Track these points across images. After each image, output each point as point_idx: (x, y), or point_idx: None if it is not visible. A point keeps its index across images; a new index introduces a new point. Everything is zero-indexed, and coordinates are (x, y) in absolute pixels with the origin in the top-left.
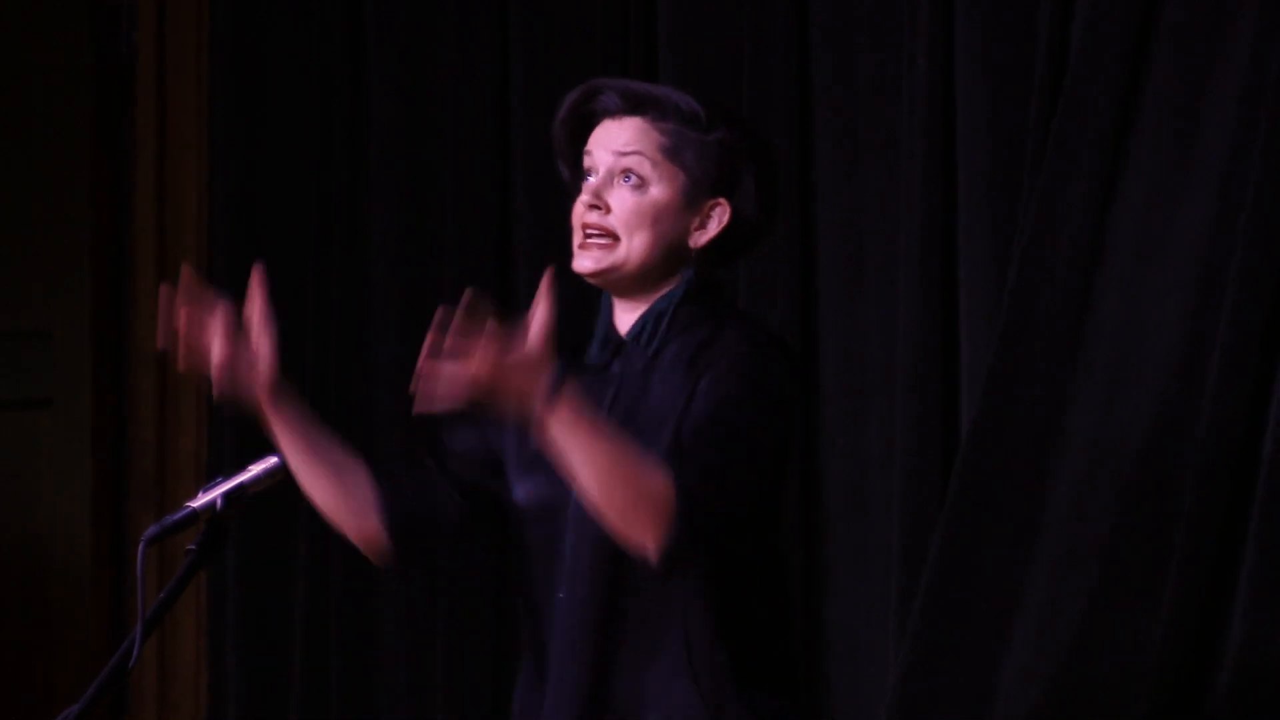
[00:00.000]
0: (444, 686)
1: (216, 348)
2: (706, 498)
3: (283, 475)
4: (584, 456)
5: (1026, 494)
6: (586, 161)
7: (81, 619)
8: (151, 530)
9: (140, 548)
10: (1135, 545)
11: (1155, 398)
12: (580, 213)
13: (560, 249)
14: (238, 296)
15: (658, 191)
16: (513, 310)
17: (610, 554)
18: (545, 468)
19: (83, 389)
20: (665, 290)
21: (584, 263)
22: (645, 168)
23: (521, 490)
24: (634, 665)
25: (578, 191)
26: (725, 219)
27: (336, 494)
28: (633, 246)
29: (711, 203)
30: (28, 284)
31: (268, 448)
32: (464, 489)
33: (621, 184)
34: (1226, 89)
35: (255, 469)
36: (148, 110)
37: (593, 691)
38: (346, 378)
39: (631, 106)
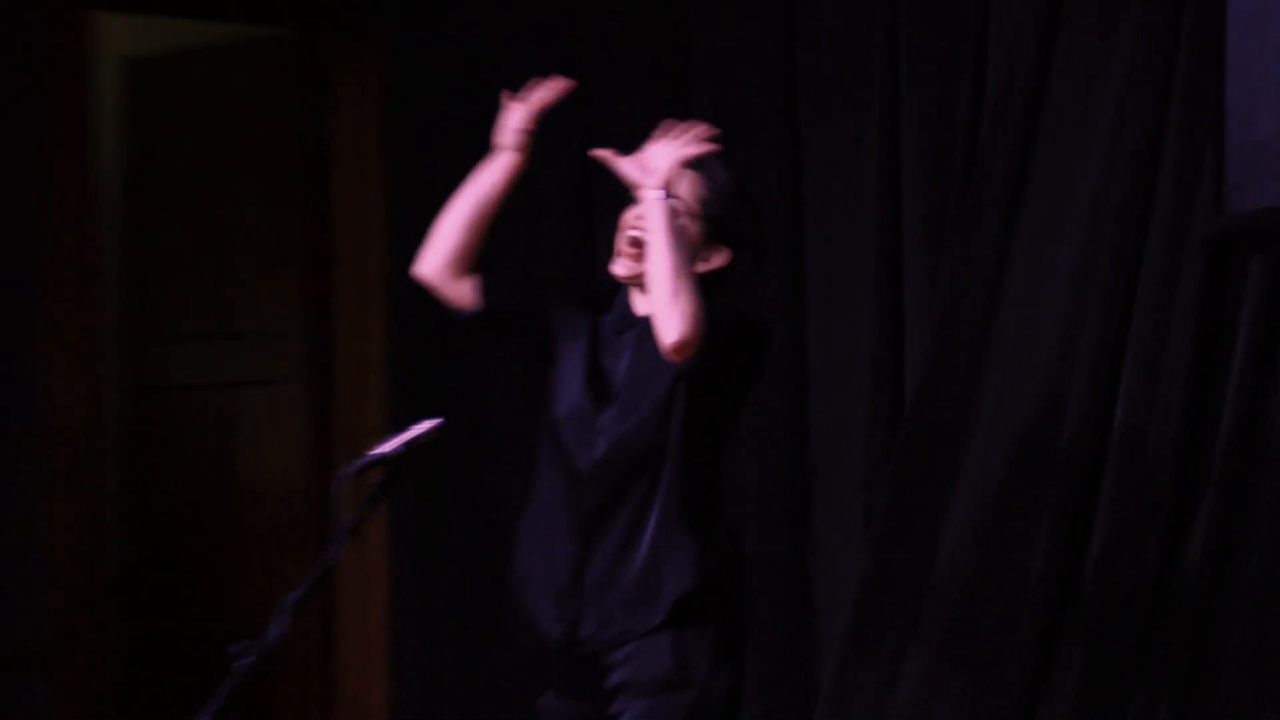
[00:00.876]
0: None
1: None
2: (720, 334)
3: (439, 434)
4: (668, 240)
5: (949, 448)
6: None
7: (302, 533)
8: (348, 469)
9: (340, 482)
10: (1023, 487)
11: (1040, 382)
12: (627, 224)
13: None
14: (412, 303)
15: (684, 226)
16: None
17: (634, 462)
18: (579, 390)
19: (298, 372)
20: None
21: (617, 265)
22: (682, 208)
23: (561, 405)
24: (619, 549)
25: (629, 203)
26: (721, 262)
27: (480, 230)
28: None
29: (717, 247)
30: (260, 298)
31: (430, 415)
32: (526, 317)
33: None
34: (1093, 159)
35: (421, 427)
36: (341, 178)
37: (582, 562)
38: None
39: (694, 164)
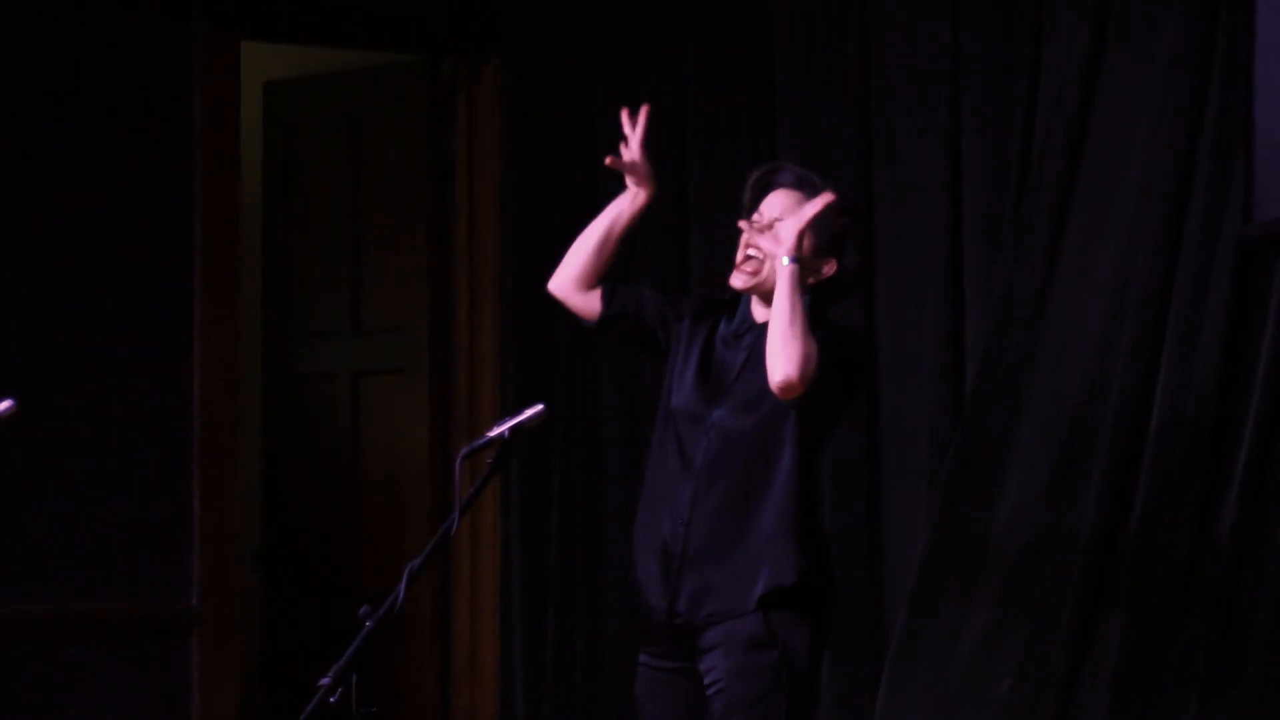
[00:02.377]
0: None
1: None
2: (826, 371)
3: (543, 419)
4: (791, 304)
5: (1005, 430)
6: (759, 212)
7: (422, 507)
8: (465, 449)
9: (457, 461)
10: (1070, 465)
11: (1086, 371)
12: (745, 241)
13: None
14: (523, 302)
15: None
16: None
17: (743, 456)
18: (697, 385)
19: (421, 363)
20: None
21: (736, 278)
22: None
23: (678, 397)
24: (723, 537)
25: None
26: (831, 271)
27: (606, 255)
28: (769, 272)
29: (825, 259)
30: (394, 301)
31: (537, 400)
32: (643, 322)
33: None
34: (1133, 172)
35: (527, 413)
36: (461, 191)
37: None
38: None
39: (797, 183)
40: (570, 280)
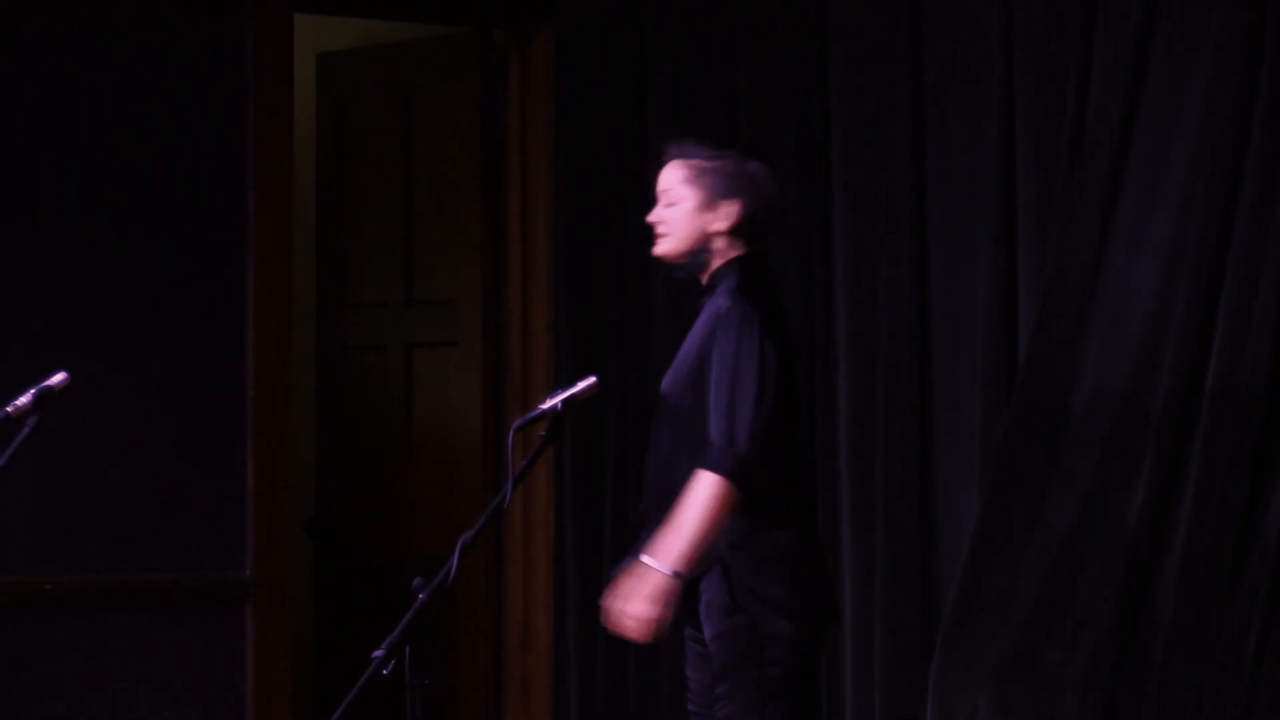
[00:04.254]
0: None
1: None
2: (733, 452)
3: (597, 390)
4: (696, 542)
5: (1058, 397)
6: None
7: (475, 479)
8: (517, 421)
9: (510, 433)
10: (1124, 432)
11: (1137, 345)
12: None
13: None
14: (576, 276)
15: (685, 205)
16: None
17: (675, 435)
18: (673, 367)
19: (474, 335)
20: (718, 264)
21: (655, 249)
22: (673, 193)
23: (665, 381)
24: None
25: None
26: (737, 211)
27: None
28: (674, 238)
29: (723, 203)
30: (446, 273)
31: (590, 372)
32: None
33: (664, 204)
34: (1183, 148)
35: (580, 385)
36: (513, 162)
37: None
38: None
39: (681, 155)
40: None
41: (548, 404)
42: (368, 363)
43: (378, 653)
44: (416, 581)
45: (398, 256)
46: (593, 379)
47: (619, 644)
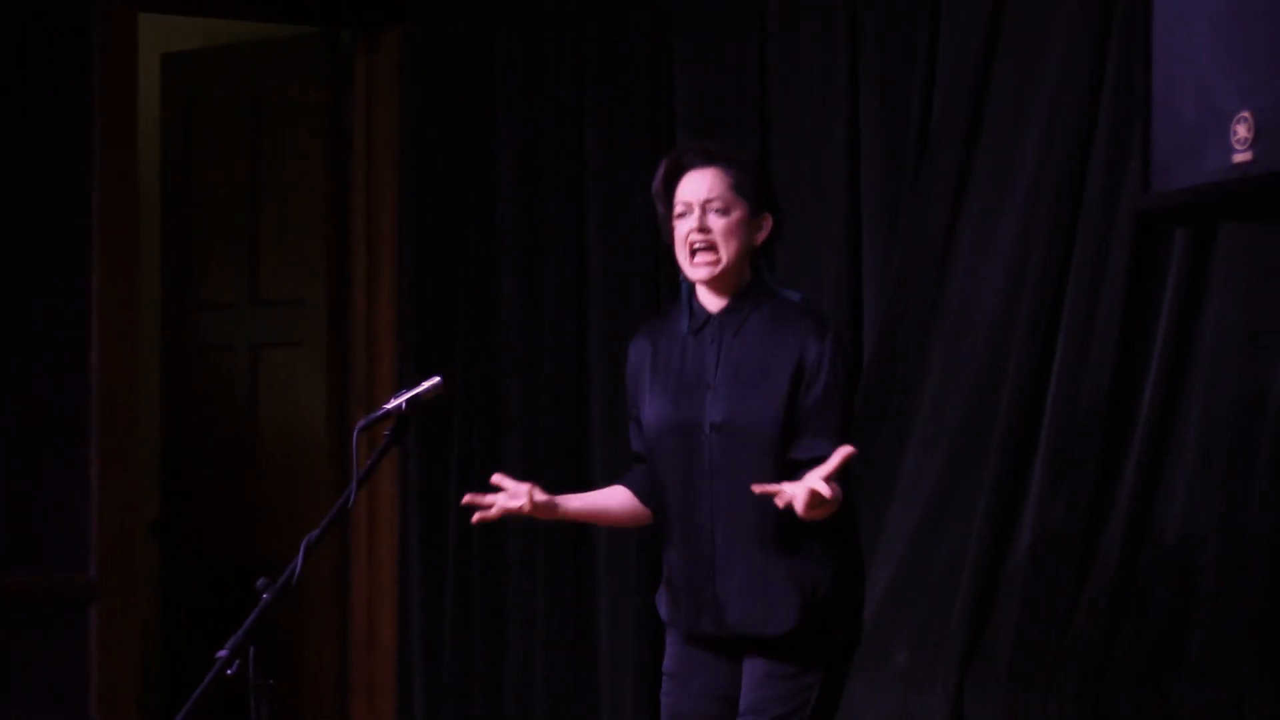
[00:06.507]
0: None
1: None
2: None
3: (443, 390)
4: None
5: (904, 398)
6: (682, 201)
7: (321, 479)
8: (362, 421)
9: (354, 433)
10: (970, 433)
11: (983, 343)
12: (685, 236)
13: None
14: (420, 276)
15: (735, 214)
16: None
17: (753, 461)
18: (675, 395)
19: (319, 335)
20: (742, 279)
21: (699, 272)
22: (727, 199)
23: (652, 411)
24: (763, 537)
25: (668, 221)
26: (770, 226)
27: (620, 520)
28: (728, 253)
29: (764, 216)
30: (292, 273)
31: (435, 372)
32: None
33: (713, 213)
34: (1031, 145)
35: (425, 385)
36: (359, 162)
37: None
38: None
39: (707, 159)
40: (629, 526)
41: (392, 404)
42: (214, 362)
43: (222, 653)
44: (261, 581)
45: (244, 257)
46: (437, 379)
47: (464, 644)
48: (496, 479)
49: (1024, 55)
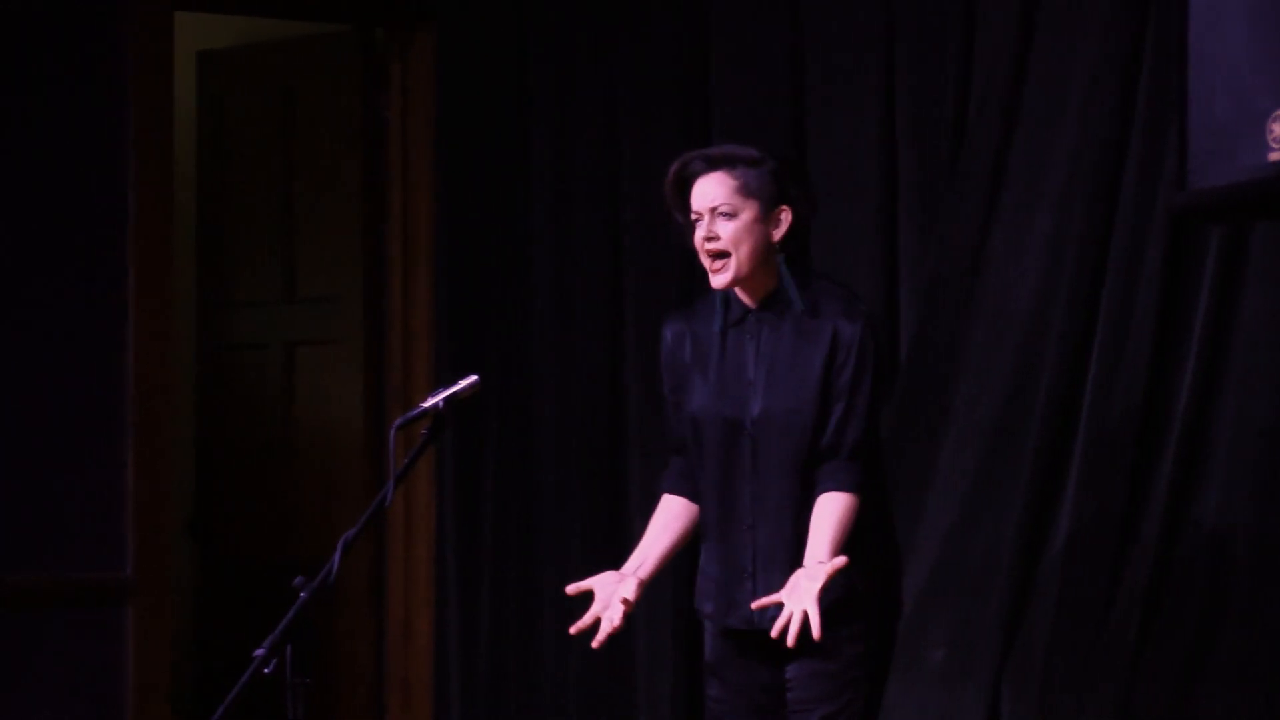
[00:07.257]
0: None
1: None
2: (865, 474)
3: (479, 388)
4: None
5: (939, 393)
6: (696, 212)
7: (356, 477)
8: (399, 420)
9: (391, 432)
10: (1005, 429)
11: (1018, 341)
12: (700, 245)
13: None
14: (457, 273)
15: (745, 216)
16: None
17: (793, 458)
18: (716, 388)
19: (355, 333)
20: (769, 275)
21: (716, 280)
22: (734, 203)
23: (697, 402)
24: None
25: (689, 229)
26: (789, 220)
27: (691, 534)
28: (740, 256)
29: (780, 210)
30: (327, 271)
31: (472, 371)
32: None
33: (720, 218)
34: (1065, 142)
35: (462, 383)
36: (395, 160)
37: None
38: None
39: (710, 165)
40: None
41: (429, 402)
42: (249, 361)
43: (259, 652)
44: (298, 580)
45: (279, 255)
46: (474, 377)
47: (500, 642)
48: (573, 589)
49: (1059, 53)
